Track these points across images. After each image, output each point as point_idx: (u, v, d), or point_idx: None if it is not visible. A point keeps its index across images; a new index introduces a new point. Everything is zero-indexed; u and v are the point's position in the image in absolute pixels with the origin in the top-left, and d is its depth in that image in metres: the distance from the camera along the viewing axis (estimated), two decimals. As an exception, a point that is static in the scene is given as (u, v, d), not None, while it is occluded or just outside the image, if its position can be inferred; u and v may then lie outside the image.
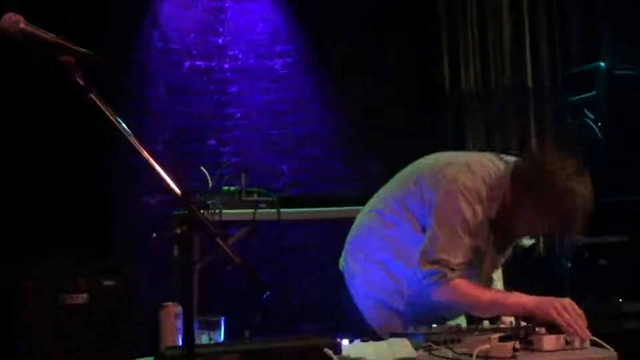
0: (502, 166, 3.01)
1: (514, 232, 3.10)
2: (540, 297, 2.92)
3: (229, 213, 4.55)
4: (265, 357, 2.41)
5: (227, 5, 6.04)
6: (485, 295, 3.02)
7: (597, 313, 4.77)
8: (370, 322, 3.19)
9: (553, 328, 2.74)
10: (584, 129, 5.14)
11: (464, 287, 3.00)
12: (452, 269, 2.97)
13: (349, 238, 3.33)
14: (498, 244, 3.12)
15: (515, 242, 3.21)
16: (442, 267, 2.98)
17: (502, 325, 2.87)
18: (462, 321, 3.06)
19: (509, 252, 3.26)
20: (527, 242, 4.68)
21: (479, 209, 2.95)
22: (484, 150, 6.30)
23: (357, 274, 3.25)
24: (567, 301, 2.87)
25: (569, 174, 2.85)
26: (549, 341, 2.67)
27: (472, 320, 3.06)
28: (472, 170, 2.98)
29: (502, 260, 3.29)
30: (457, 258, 2.97)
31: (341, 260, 3.34)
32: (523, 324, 2.79)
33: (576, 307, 2.87)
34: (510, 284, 3.37)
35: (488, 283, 3.20)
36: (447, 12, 6.35)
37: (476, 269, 3.07)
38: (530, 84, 6.30)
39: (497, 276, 3.37)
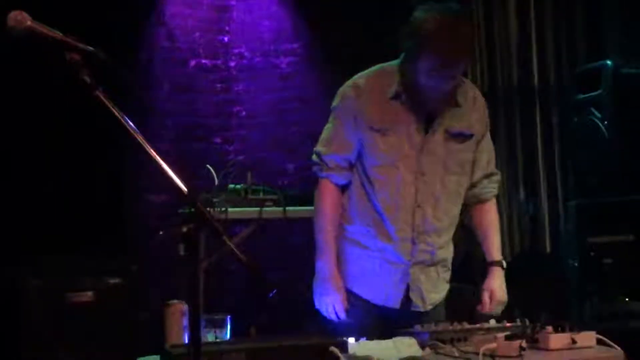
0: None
1: (421, 97, 3.05)
2: (333, 290, 3.10)
3: (235, 211, 4.55)
4: (271, 355, 2.41)
5: (232, 3, 6.03)
6: (325, 227, 3.16)
7: (603, 312, 4.77)
8: None
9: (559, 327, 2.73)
10: (591, 127, 5.13)
11: (325, 194, 3.17)
12: (326, 165, 3.15)
13: None
14: (416, 122, 3.10)
15: (435, 112, 3.12)
16: (318, 159, 3.19)
17: (508, 324, 2.86)
18: None
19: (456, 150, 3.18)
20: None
21: (352, 93, 3.13)
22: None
23: None
24: (334, 305, 3.11)
25: (425, 12, 3.00)
26: (556, 340, 2.67)
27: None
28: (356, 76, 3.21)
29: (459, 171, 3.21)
30: (328, 148, 3.15)
31: None
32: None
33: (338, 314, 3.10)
34: (517, 283, 3.32)
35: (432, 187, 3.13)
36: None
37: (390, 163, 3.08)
38: (536, 82, 6.30)
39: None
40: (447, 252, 3.23)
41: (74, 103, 3.11)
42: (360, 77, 3.18)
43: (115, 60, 2.02)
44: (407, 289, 3.11)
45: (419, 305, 3.14)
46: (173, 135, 5.74)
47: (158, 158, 1.94)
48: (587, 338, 2.72)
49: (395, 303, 3.12)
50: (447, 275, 3.24)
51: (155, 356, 2.56)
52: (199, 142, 5.85)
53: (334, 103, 3.20)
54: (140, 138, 1.95)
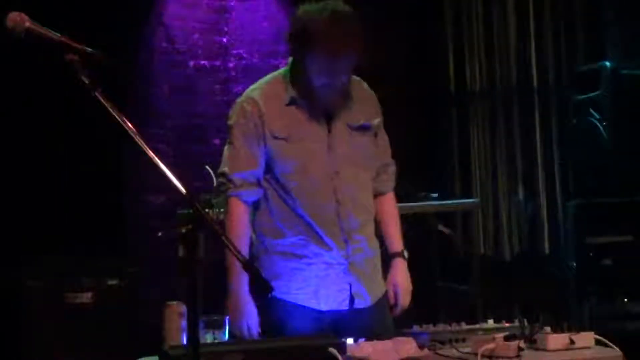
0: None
1: (316, 97, 3.04)
2: (251, 310, 2.98)
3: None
4: (269, 356, 2.41)
5: (231, 4, 6.04)
6: (237, 246, 2.99)
7: (601, 313, 4.78)
8: None
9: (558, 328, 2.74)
10: (589, 128, 5.14)
11: (235, 214, 3.07)
12: (234, 184, 3.06)
13: None
14: (317, 118, 3.07)
15: (334, 106, 3.09)
16: (224, 179, 3.09)
17: (507, 324, 2.86)
18: None
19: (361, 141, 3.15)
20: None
21: (248, 107, 3.06)
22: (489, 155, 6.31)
23: None
24: (249, 327, 2.96)
25: (305, 13, 2.99)
26: (554, 340, 2.67)
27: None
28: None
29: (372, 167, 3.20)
30: (233, 167, 3.06)
31: None
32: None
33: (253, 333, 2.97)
34: (517, 283, 3.32)
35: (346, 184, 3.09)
36: (453, 11, 6.34)
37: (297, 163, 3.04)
38: (535, 83, 6.30)
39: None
40: (376, 245, 3.22)
41: (74, 103, 3.12)
42: (253, 91, 3.14)
43: (114, 61, 2.02)
44: (350, 288, 3.09)
45: (363, 302, 3.10)
46: (172, 136, 5.74)
47: (156, 159, 1.94)
48: (586, 338, 2.72)
49: (343, 305, 3.08)
50: (380, 267, 3.23)
51: (153, 357, 2.56)
52: (198, 143, 5.85)
53: (231, 121, 3.13)
54: (138, 139, 1.95)
